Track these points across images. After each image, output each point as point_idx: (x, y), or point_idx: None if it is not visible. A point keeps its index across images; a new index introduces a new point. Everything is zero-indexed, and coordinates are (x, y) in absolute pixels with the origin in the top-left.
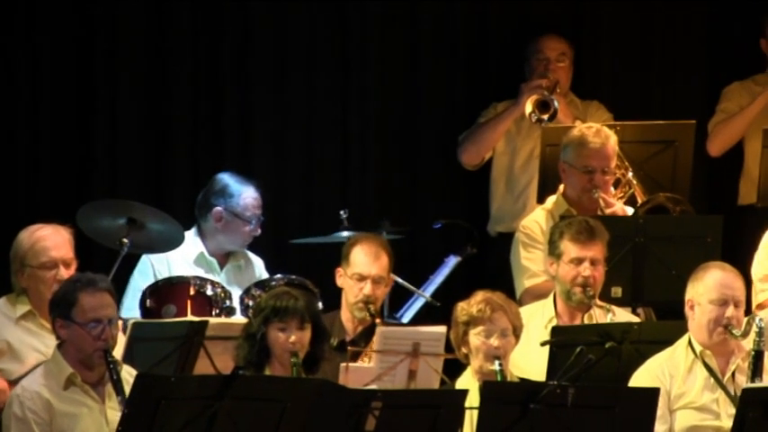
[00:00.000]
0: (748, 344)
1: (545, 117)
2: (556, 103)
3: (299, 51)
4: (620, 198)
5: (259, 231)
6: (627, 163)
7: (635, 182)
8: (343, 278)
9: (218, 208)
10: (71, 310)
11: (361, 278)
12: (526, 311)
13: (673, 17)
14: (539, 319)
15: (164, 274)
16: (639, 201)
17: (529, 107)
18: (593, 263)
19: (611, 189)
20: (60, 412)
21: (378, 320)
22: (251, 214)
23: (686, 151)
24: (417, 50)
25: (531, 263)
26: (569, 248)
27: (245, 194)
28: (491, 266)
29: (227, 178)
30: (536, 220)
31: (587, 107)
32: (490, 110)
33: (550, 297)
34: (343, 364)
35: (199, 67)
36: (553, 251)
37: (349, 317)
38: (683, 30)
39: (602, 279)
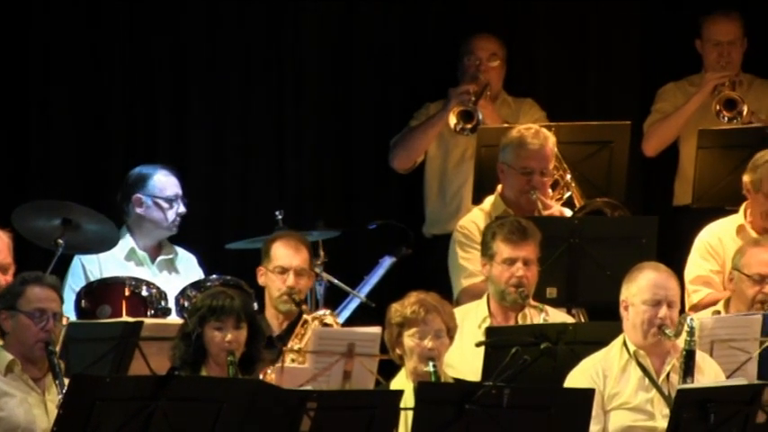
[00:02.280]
0: (681, 343)
1: (468, 127)
2: (480, 115)
3: (234, 53)
4: (558, 200)
5: (184, 210)
6: (566, 165)
7: (573, 184)
8: (265, 275)
9: (138, 195)
10: (17, 300)
11: (284, 270)
12: (460, 311)
13: (608, 17)
14: (472, 319)
15: (95, 273)
16: (577, 203)
17: (452, 119)
18: (525, 263)
19: (550, 191)
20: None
21: (304, 307)
22: (171, 193)
23: (622, 152)
24: (351, 51)
25: (468, 263)
26: (502, 249)
27: (159, 176)
28: (426, 268)
29: (137, 170)
30: (473, 220)
31: (520, 105)
32: (422, 110)
33: (484, 297)
34: (278, 365)
35: (134, 69)
36: (486, 252)
37: (273, 313)
38: (619, 29)
39: (535, 279)
